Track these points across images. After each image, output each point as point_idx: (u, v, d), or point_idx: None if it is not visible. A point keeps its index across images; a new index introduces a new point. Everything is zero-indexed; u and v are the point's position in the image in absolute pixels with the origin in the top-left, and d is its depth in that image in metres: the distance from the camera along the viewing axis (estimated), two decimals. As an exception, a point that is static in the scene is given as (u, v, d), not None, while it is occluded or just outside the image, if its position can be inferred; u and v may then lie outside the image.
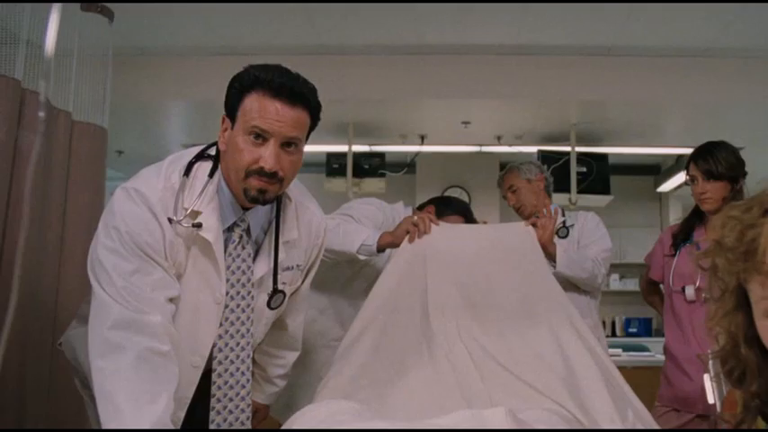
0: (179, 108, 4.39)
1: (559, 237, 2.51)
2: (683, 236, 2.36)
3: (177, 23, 3.42)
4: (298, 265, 1.61)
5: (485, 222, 5.93)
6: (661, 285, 2.63)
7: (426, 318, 1.92)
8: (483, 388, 1.73)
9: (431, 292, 1.97)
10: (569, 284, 2.37)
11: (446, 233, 2.11)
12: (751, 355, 0.81)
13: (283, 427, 1.47)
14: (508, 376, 1.76)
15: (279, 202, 1.52)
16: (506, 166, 2.79)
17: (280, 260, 1.53)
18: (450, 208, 2.39)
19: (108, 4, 2.37)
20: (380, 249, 2.11)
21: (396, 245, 2.09)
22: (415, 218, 2.09)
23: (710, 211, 2.25)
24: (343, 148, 4.86)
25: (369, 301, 1.99)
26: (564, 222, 2.58)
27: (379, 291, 2.00)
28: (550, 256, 2.29)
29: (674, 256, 2.36)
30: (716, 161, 2.23)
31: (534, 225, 2.22)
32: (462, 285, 1.99)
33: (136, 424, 1.20)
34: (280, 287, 1.55)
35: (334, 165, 5.26)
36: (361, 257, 2.11)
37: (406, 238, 2.07)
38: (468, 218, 2.42)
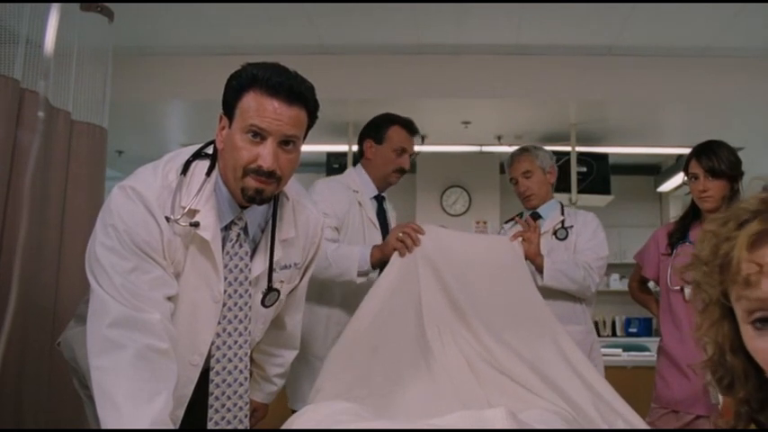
0: (179, 108, 4.39)
1: (558, 239, 2.45)
2: (679, 235, 2.33)
3: (177, 23, 3.42)
4: (295, 264, 1.61)
5: (484, 223, 5.93)
6: (650, 284, 2.61)
7: (421, 325, 1.92)
8: (481, 393, 1.73)
9: (424, 299, 1.97)
10: (562, 293, 2.35)
11: (434, 238, 2.10)
12: (737, 362, 0.82)
13: (282, 428, 1.47)
14: (505, 380, 1.76)
15: (276, 200, 1.51)
16: (517, 149, 2.58)
17: (277, 258, 1.52)
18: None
19: (108, 4, 2.37)
20: (374, 267, 2.13)
21: (387, 259, 2.09)
22: (400, 234, 2.08)
23: (710, 210, 2.21)
24: (343, 148, 4.88)
25: (361, 310, 1.98)
26: (563, 222, 2.49)
27: (372, 300, 2.00)
28: (539, 268, 2.28)
29: (670, 255, 2.33)
30: (719, 159, 2.20)
31: (523, 238, 2.22)
32: (453, 291, 1.99)
33: (134, 422, 1.19)
34: (276, 285, 1.55)
35: (334, 164, 5.27)
36: (360, 281, 2.14)
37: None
38: (413, 130, 2.46)
